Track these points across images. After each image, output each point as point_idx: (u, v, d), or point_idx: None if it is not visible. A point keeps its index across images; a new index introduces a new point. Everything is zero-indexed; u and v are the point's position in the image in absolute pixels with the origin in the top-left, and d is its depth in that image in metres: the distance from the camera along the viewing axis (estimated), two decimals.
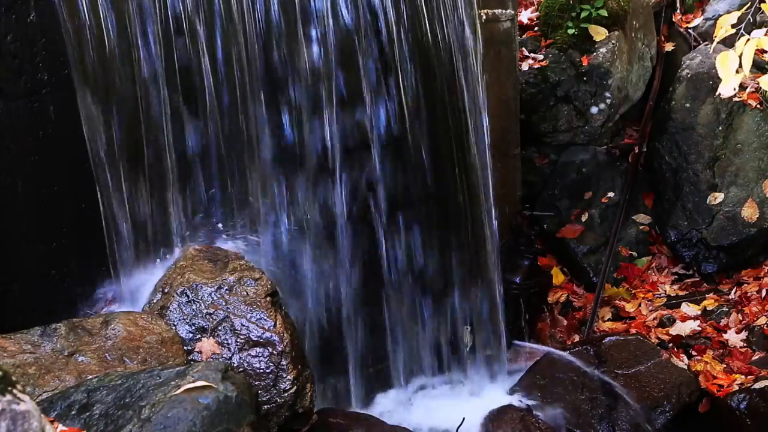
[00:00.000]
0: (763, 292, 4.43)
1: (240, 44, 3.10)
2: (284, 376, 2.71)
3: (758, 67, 4.33)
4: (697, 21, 5.18)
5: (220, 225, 3.20)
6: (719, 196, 4.68)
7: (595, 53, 4.77)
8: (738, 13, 2.90)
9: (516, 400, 3.73)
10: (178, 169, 3.08)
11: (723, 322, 4.33)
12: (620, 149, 5.00)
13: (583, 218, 4.79)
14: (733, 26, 2.88)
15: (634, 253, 4.82)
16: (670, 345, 4.24)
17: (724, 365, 4.03)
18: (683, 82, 4.87)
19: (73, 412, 2.13)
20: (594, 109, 4.82)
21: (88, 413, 2.11)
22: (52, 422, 1.69)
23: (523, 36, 4.86)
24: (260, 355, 2.72)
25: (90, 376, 2.39)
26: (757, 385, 3.64)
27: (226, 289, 2.82)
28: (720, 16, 3.88)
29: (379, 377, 3.73)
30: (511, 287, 4.24)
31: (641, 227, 4.89)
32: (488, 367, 4.00)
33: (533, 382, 3.84)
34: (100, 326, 2.66)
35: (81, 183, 2.90)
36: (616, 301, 4.62)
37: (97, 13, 2.81)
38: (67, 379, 2.43)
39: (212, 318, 2.77)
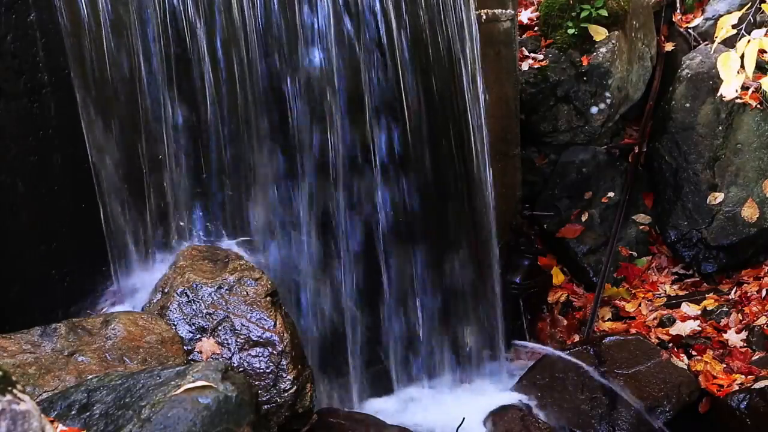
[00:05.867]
0: (763, 292, 4.43)
1: (240, 43, 3.10)
2: (284, 376, 2.71)
3: (759, 68, 4.33)
4: (697, 21, 5.18)
5: (219, 225, 3.19)
6: (719, 196, 4.68)
7: (595, 53, 4.77)
8: (738, 14, 2.90)
9: (516, 400, 3.73)
10: (178, 168, 3.08)
11: (723, 322, 4.33)
12: (620, 149, 5.00)
13: (583, 218, 4.79)
14: (733, 26, 2.88)
15: (634, 253, 4.82)
16: (670, 345, 4.23)
17: (724, 365, 4.03)
18: (683, 82, 4.87)
19: (73, 412, 2.13)
20: (594, 109, 4.82)
21: (88, 413, 2.11)
22: (52, 422, 1.69)
23: (523, 36, 4.86)
24: (260, 355, 2.72)
25: (90, 376, 2.39)
26: (757, 385, 3.64)
27: (226, 289, 2.82)
28: (720, 16, 3.88)
29: (380, 377, 3.73)
30: (511, 287, 4.24)
31: (641, 227, 4.89)
32: (488, 367, 4.00)
33: (533, 382, 3.84)
34: (100, 326, 2.66)
35: (81, 183, 2.89)
36: (616, 301, 4.62)
37: (97, 13, 2.81)
38: (67, 379, 2.43)
39: (212, 318, 2.77)
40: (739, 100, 4.61)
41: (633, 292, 4.68)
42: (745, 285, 4.55)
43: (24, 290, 2.84)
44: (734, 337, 4.21)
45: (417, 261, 3.69)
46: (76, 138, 2.85)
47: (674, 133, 4.85)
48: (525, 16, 4.93)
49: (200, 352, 2.72)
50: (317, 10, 3.23)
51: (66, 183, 2.88)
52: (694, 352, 4.19)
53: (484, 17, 4.01)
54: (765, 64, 4.51)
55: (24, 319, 2.73)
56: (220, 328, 2.75)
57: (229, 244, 3.16)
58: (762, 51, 4.05)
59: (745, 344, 4.18)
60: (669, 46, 5.20)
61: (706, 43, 4.98)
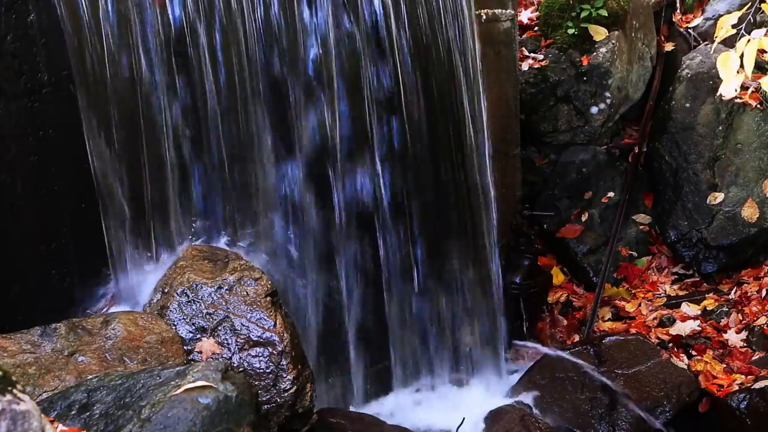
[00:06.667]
0: (763, 292, 4.43)
1: (240, 43, 3.10)
2: (284, 376, 2.71)
3: (759, 68, 4.33)
4: (697, 21, 5.18)
5: (220, 224, 3.19)
6: (719, 196, 4.68)
7: (595, 53, 4.77)
8: (738, 14, 2.90)
9: (516, 400, 3.73)
10: (178, 168, 3.08)
11: (723, 322, 4.33)
12: (620, 149, 5.00)
13: (583, 218, 4.79)
14: (733, 26, 2.88)
15: (634, 253, 4.82)
16: (670, 345, 4.23)
17: (724, 365, 4.03)
18: (683, 82, 4.87)
19: (73, 412, 2.13)
20: (594, 109, 4.82)
21: (88, 413, 2.11)
22: (52, 422, 1.69)
23: (523, 36, 4.86)
24: (260, 355, 2.72)
25: (90, 376, 2.39)
26: (757, 385, 3.64)
27: (226, 289, 2.82)
28: (720, 16, 3.87)
29: (380, 377, 3.73)
30: (511, 287, 4.24)
31: (641, 227, 4.89)
32: (488, 367, 4.00)
33: (533, 382, 3.84)
34: (100, 326, 2.66)
35: (81, 183, 2.89)
36: (616, 301, 4.62)
37: (97, 14, 2.81)
38: (67, 379, 2.43)
39: (212, 318, 2.77)
40: (738, 100, 4.61)
41: (633, 292, 4.68)
42: (745, 285, 4.55)
43: (24, 290, 2.84)
44: (734, 337, 4.21)
45: (417, 261, 3.69)
46: (76, 138, 2.85)
47: (674, 133, 4.85)
48: (525, 16, 4.93)
49: (200, 352, 2.72)
50: (317, 10, 3.23)
51: (66, 183, 2.88)
52: (694, 352, 4.19)
53: (484, 17, 4.01)
54: (765, 64, 4.51)
55: (24, 319, 2.73)
56: (220, 328, 2.76)
57: (228, 243, 3.16)
58: (761, 51, 4.06)
59: (745, 344, 4.18)
60: (669, 46, 5.20)
61: (706, 43, 4.98)
